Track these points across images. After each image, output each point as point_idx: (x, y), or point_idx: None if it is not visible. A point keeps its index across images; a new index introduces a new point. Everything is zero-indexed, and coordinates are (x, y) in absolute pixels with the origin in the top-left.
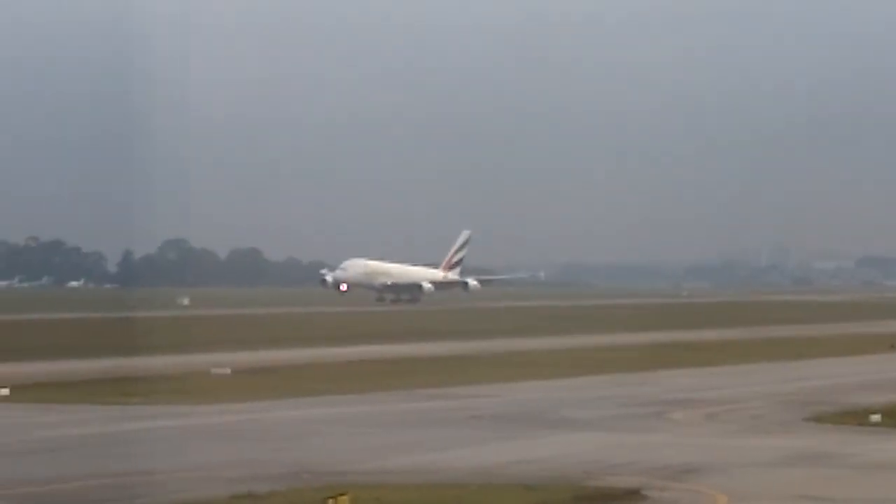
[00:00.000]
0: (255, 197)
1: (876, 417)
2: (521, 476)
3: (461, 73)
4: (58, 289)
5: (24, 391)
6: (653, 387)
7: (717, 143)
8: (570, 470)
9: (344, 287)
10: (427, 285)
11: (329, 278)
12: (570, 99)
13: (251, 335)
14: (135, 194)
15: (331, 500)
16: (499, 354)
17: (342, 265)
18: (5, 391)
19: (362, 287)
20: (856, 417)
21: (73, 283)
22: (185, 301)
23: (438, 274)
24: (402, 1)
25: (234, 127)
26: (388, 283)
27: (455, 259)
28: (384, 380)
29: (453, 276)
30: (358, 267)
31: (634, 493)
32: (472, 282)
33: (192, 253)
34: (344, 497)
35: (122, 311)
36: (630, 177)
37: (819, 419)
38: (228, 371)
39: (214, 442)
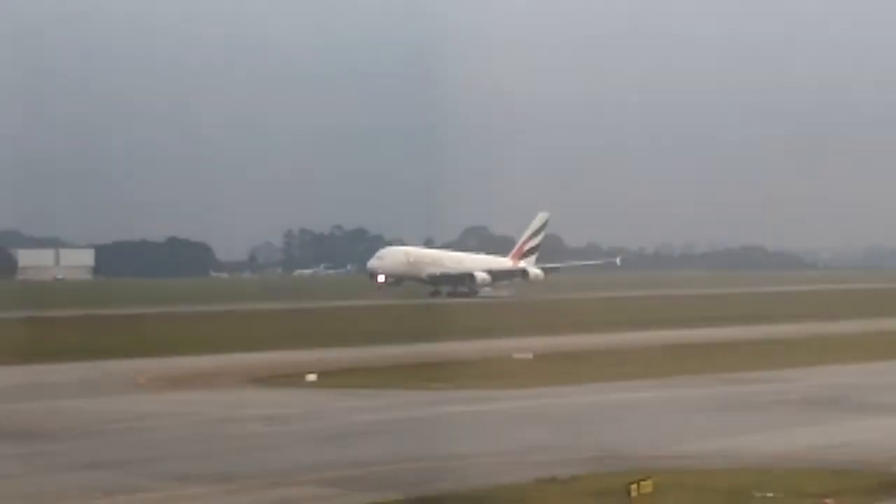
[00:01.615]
0: (557, 182)
1: None
2: (828, 461)
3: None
4: (361, 276)
5: (331, 377)
6: None
7: None
8: (878, 456)
9: (381, 279)
10: (480, 275)
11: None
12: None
13: (553, 320)
14: (437, 183)
15: (634, 485)
16: (794, 339)
17: (378, 254)
18: (313, 377)
19: (404, 278)
20: None
21: None
22: (487, 288)
23: (507, 262)
24: None
25: (536, 112)
26: (437, 273)
27: (529, 246)
28: (684, 364)
29: (525, 265)
30: (397, 255)
31: None
32: (532, 270)
33: (492, 240)
34: (647, 482)
35: (423, 298)
36: None
37: None
38: (530, 356)
39: (516, 426)
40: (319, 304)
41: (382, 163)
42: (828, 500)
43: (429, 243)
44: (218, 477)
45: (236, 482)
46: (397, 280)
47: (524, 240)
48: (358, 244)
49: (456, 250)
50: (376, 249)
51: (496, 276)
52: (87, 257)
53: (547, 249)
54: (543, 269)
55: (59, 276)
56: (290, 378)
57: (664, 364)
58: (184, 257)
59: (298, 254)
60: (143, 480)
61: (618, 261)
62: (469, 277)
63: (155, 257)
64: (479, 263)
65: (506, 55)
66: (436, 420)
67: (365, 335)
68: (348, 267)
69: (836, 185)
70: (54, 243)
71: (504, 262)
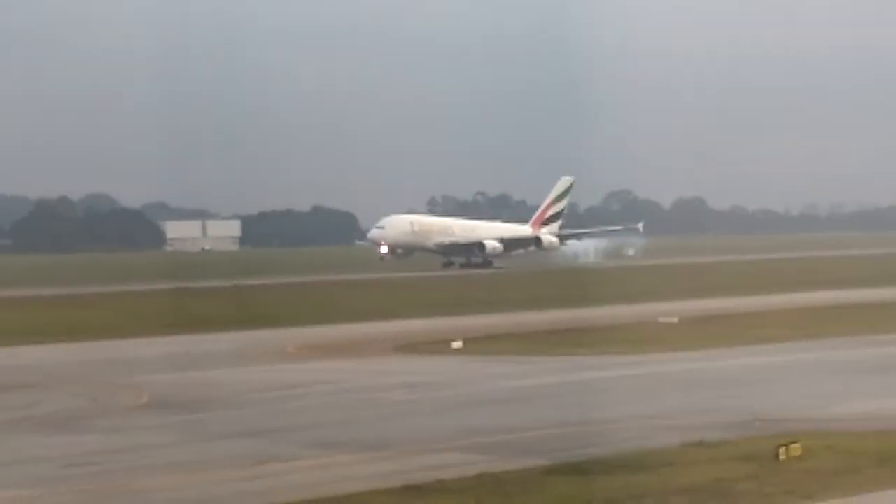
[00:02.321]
0: (700, 145)
1: None
2: None
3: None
4: None
5: (476, 343)
6: None
7: None
8: None
9: (384, 249)
10: (490, 243)
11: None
12: None
13: (697, 284)
14: (580, 148)
15: (782, 448)
16: None
17: (380, 222)
18: (458, 344)
19: (409, 248)
20: None
21: None
22: (630, 251)
23: (525, 230)
24: None
25: (680, 75)
26: (446, 242)
27: (551, 212)
28: (828, 326)
29: (547, 232)
30: (402, 224)
31: None
32: (547, 237)
33: (636, 203)
34: (796, 445)
35: (569, 263)
36: None
37: None
38: (675, 320)
39: (664, 390)
40: (461, 272)
41: (525, 128)
42: None
43: (573, 208)
44: (367, 445)
45: (386, 449)
46: (406, 251)
47: (545, 206)
48: (502, 210)
49: (599, 214)
50: (519, 215)
51: (508, 244)
52: (233, 228)
53: (690, 211)
54: (560, 238)
55: (207, 247)
56: (435, 345)
57: (808, 326)
58: (329, 226)
59: None
60: (294, 449)
61: (640, 226)
62: (479, 246)
63: (300, 226)
64: (492, 231)
65: (648, 17)
66: (581, 385)
67: (505, 302)
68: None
69: None
70: (201, 215)
71: (521, 230)
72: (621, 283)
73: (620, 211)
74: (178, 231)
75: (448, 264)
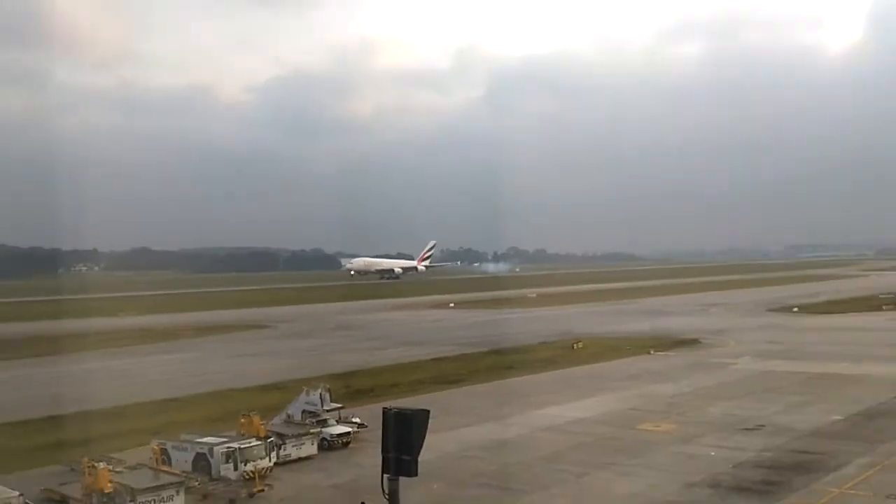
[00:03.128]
0: (549, 217)
1: (795, 309)
2: (650, 334)
3: None
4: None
5: (460, 304)
6: (703, 298)
7: None
8: (671, 332)
9: (352, 273)
10: (397, 269)
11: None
12: None
13: (544, 281)
14: (518, 220)
15: (576, 344)
16: (642, 287)
17: (352, 261)
18: (452, 305)
19: (364, 272)
20: (787, 308)
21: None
22: (517, 269)
23: (413, 263)
24: None
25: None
26: (380, 269)
27: (426, 256)
28: (593, 298)
29: (422, 265)
30: (359, 262)
31: (696, 340)
32: (421, 267)
33: (518, 252)
34: (581, 342)
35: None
36: None
37: (772, 309)
38: (535, 294)
39: (529, 323)
40: (454, 278)
41: (478, 208)
42: (652, 350)
43: (522, 252)
44: (418, 343)
45: (426, 346)
46: (362, 274)
47: (423, 254)
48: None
49: (495, 261)
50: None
51: (405, 270)
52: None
53: (546, 253)
54: (428, 267)
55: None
56: (442, 305)
57: (586, 298)
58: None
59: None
60: (389, 344)
61: (458, 263)
62: (391, 271)
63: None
64: (399, 264)
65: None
66: (497, 321)
67: (469, 288)
68: (458, 263)
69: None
70: (354, 255)
71: (411, 263)
72: (512, 281)
73: (514, 255)
74: (346, 264)
75: (382, 278)
